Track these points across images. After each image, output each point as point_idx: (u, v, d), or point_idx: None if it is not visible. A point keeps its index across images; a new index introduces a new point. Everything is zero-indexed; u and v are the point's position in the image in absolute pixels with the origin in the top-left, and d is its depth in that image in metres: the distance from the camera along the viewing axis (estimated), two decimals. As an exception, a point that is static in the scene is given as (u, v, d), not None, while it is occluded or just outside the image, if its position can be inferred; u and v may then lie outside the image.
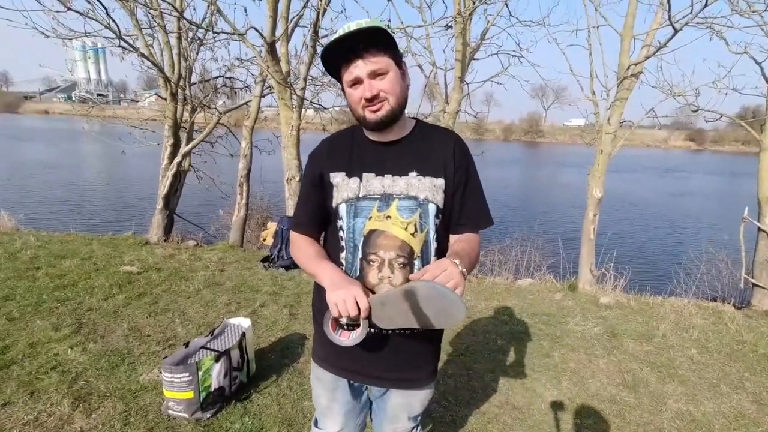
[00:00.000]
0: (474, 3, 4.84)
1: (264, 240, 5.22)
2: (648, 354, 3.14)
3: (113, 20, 4.74)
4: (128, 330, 3.00)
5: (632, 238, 10.39)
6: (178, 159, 5.87)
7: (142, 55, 5.35)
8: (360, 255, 1.17)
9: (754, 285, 4.50)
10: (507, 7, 4.97)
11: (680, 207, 15.83)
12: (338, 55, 1.10)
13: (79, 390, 2.29)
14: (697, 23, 4.05)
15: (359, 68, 1.08)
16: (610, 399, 2.56)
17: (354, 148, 1.23)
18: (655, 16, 4.31)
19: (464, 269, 1.04)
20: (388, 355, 1.24)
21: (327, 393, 1.34)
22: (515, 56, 5.41)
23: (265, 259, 4.74)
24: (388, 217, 1.16)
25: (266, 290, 3.93)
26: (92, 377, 2.41)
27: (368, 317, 1.06)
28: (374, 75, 1.09)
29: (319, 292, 1.30)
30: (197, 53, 6.30)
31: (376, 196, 1.17)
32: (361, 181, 1.18)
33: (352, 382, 1.32)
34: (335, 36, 1.07)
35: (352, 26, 1.06)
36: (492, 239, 6.51)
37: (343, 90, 1.17)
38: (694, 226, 12.38)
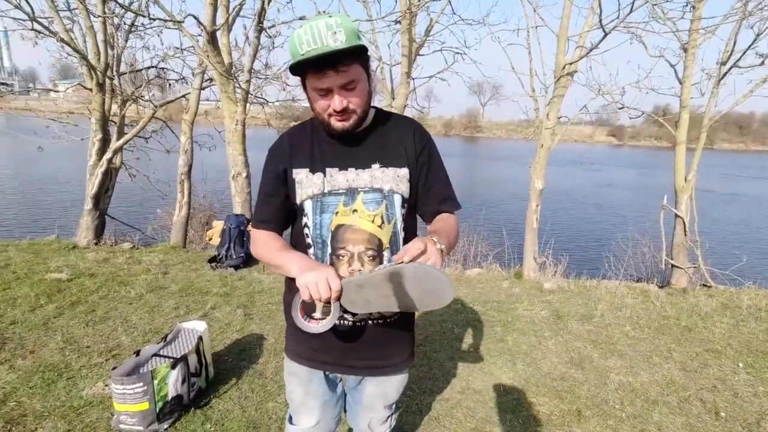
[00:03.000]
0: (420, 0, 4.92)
1: (210, 239, 4.97)
2: (590, 333, 3.39)
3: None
4: (63, 342, 2.73)
5: (567, 227, 11.11)
6: (108, 155, 5.40)
7: (62, 40, 4.86)
8: (329, 250, 1.16)
9: (673, 266, 5.01)
10: (450, 4, 5.11)
11: (608, 197, 17.13)
12: (310, 63, 1.02)
13: (11, 412, 2.05)
14: (623, 27, 4.40)
15: (331, 79, 1.04)
16: (560, 377, 2.74)
17: (315, 142, 1.20)
18: (586, 20, 4.63)
19: (443, 246, 1.05)
20: (364, 344, 1.24)
21: (302, 386, 1.32)
22: (458, 53, 5.58)
23: (212, 260, 4.52)
24: (355, 210, 1.15)
25: (216, 291, 3.75)
26: (25, 397, 2.17)
27: (339, 300, 1.03)
28: (345, 86, 1.06)
29: (289, 286, 1.27)
30: (126, 40, 5.84)
31: (341, 191, 1.15)
32: (324, 176, 1.16)
33: (327, 373, 1.31)
34: (311, 45, 0.99)
35: (322, 27, 0.98)
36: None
37: (304, 89, 1.12)
38: (620, 214, 13.44)
